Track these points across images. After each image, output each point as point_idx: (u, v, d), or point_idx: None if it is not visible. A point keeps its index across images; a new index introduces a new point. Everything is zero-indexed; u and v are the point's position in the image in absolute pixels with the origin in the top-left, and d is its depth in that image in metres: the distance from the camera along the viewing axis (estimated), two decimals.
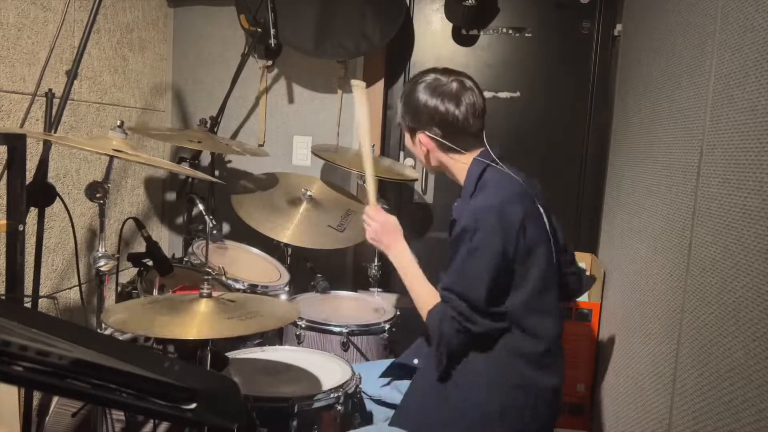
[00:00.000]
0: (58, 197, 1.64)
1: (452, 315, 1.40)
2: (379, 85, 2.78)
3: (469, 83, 1.50)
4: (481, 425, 1.44)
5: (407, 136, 1.59)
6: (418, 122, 1.51)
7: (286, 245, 2.33)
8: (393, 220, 1.61)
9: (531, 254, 1.42)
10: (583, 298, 2.50)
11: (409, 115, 1.53)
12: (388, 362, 1.78)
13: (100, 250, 1.54)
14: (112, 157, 1.56)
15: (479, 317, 1.40)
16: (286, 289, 2.24)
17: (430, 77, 1.51)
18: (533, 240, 1.42)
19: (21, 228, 1.52)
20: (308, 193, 2.41)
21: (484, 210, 1.40)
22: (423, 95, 1.49)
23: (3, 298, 1.65)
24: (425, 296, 1.50)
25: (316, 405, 1.57)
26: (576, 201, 2.82)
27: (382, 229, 1.59)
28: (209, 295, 1.40)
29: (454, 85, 1.48)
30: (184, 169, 1.78)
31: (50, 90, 1.94)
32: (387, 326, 2.10)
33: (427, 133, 1.50)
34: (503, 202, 1.41)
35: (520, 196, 1.44)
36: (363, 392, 1.73)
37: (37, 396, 1.89)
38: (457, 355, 1.46)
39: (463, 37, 2.84)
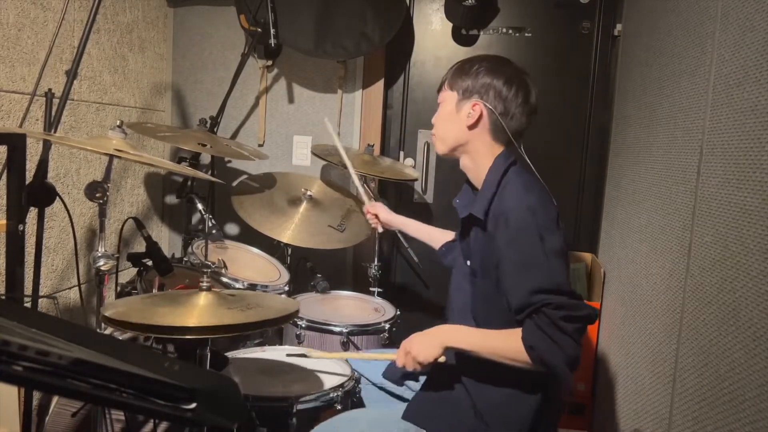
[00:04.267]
0: (58, 197, 1.63)
1: (559, 316, 1.27)
2: (379, 85, 2.79)
3: (533, 87, 1.50)
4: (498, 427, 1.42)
5: (450, 102, 1.51)
6: (481, 92, 1.46)
7: (286, 245, 2.33)
8: (410, 338, 1.47)
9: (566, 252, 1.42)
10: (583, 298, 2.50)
11: (472, 81, 1.47)
12: (388, 350, 1.78)
13: (99, 250, 1.54)
14: (111, 157, 1.56)
15: (579, 301, 1.32)
16: (286, 288, 2.24)
17: (501, 59, 1.51)
18: (565, 238, 1.41)
19: (21, 228, 1.52)
20: (308, 193, 2.42)
21: (531, 207, 1.35)
22: (495, 72, 1.47)
23: (3, 298, 1.65)
24: (504, 338, 1.34)
25: (316, 404, 1.58)
26: (576, 201, 2.82)
27: (413, 345, 1.43)
28: (209, 289, 1.39)
29: (525, 78, 1.48)
30: (185, 169, 1.78)
31: (50, 90, 1.94)
32: (387, 326, 2.10)
33: (485, 103, 1.46)
34: (542, 200, 1.39)
35: (548, 196, 1.43)
36: (365, 378, 1.72)
37: (37, 396, 1.89)
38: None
39: (463, 37, 2.84)
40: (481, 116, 1.47)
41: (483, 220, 1.43)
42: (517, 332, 1.31)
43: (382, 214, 2.00)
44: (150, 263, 1.69)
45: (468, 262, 1.51)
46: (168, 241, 2.96)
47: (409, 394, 1.63)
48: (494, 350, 1.35)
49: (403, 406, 1.52)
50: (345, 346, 2.01)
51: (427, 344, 1.41)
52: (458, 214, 1.55)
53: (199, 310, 1.31)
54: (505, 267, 1.36)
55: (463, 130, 1.49)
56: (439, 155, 1.62)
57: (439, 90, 1.57)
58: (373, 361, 1.78)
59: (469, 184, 1.59)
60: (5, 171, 1.52)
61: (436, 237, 1.91)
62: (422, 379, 1.61)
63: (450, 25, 2.81)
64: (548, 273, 1.31)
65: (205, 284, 1.39)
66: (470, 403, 1.44)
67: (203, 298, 1.36)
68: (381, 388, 1.74)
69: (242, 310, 1.33)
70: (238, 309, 1.33)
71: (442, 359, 1.42)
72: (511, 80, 1.46)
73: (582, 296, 1.36)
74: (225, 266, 2.06)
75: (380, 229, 2.05)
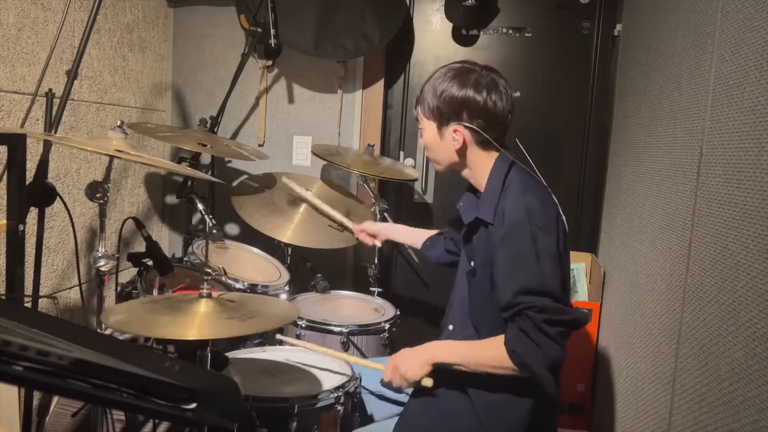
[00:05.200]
0: (58, 197, 1.63)
1: (542, 319, 1.27)
2: (379, 85, 2.79)
3: (502, 79, 1.47)
4: None
5: (431, 130, 1.50)
6: (456, 114, 1.44)
7: (287, 245, 2.33)
8: (399, 354, 1.48)
9: (566, 252, 1.41)
10: (583, 298, 2.50)
11: (444, 106, 1.44)
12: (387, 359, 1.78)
13: (100, 250, 1.54)
14: (112, 157, 1.56)
15: (564, 305, 1.32)
16: (286, 288, 2.24)
17: (463, 68, 1.46)
18: (565, 237, 1.41)
19: (21, 228, 1.52)
20: (308, 193, 2.41)
21: (528, 206, 1.35)
22: (461, 86, 1.43)
23: (3, 298, 1.65)
24: (488, 347, 1.35)
25: (316, 405, 1.57)
26: (576, 201, 2.82)
27: (402, 362, 1.44)
28: (209, 296, 1.40)
29: (492, 77, 1.45)
30: (184, 169, 1.78)
31: (50, 90, 1.94)
32: (387, 326, 2.10)
33: (466, 124, 1.44)
34: (541, 199, 1.39)
35: (549, 195, 1.43)
36: (363, 387, 1.72)
37: (37, 396, 1.89)
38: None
39: (463, 37, 2.84)
40: (469, 138, 1.47)
41: (491, 223, 1.43)
42: (501, 339, 1.32)
43: (370, 228, 2.07)
44: (150, 263, 1.69)
45: (472, 263, 1.52)
46: (168, 241, 2.96)
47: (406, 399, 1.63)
48: (480, 360, 1.36)
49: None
50: (345, 346, 2.01)
51: (416, 362, 1.43)
52: (462, 219, 1.55)
53: (199, 320, 1.31)
54: (497, 264, 1.37)
55: (452, 153, 1.51)
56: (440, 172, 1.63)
57: (417, 118, 1.56)
58: (370, 371, 1.77)
59: (471, 188, 1.60)
60: (5, 171, 1.52)
61: (420, 238, 1.95)
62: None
63: (450, 25, 2.81)
64: (536, 274, 1.31)
65: (205, 291, 1.39)
66: (470, 406, 1.44)
67: (203, 306, 1.36)
68: (380, 397, 1.73)
69: (242, 319, 1.33)
70: (238, 318, 1.33)
71: (428, 382, 1.43)
72: (479, 86, 1.43)
73: (569, 300, 1.36)
74: (225, 273, 2.06)
75: (379, 243, 2.10)
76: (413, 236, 2.00)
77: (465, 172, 1.56)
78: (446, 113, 1.46)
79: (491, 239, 1.41)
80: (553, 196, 1.44)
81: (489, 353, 1.35)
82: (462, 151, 1.49)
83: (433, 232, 1.95)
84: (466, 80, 1.44)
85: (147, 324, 1.29)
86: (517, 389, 1.41)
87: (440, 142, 1.50)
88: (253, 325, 1.33)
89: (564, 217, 1.43)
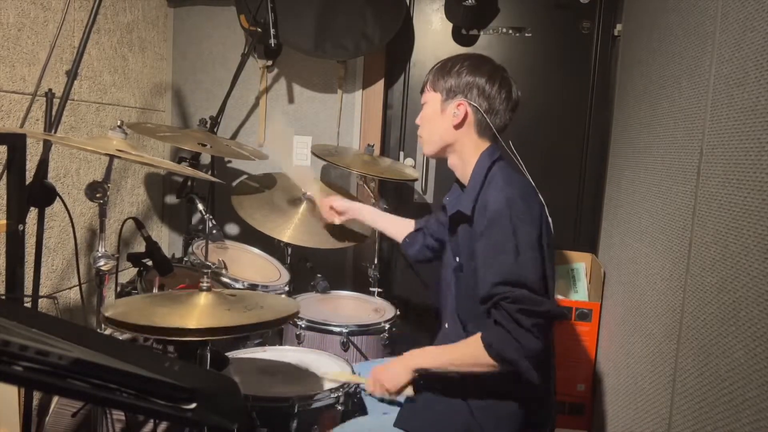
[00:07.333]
0: (58, 197, 1.63)
1: (516, 309, 1.27)
2: (379, 85, 2.79)
3: (511, 79, 1.53)
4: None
5: (434, 103, 1.53)
6: (464, 90, 1.48)
7: (287, 245, 2.33)
8: (379, 366, 1.52)
9: (549, 248, 1.41)
10: (583, 298, 2.50)
11: (455, 80, 1.50)
12: (387, 360, 1.78)
13: (100, 250, 1.53)
14: (112, 157, 1.56)
15: (542, 297, 1.30)
16: (286, 288, 2.24)
17: (481, 57, 1.54)
18: (548, 232, 1.41)
19: (21, 228, 1.52)
20: (308, 193, 2.41)
21: (509, 198, 1.36)
22: (476, 69, 1.49)
23: (3, 298, 1.65)
24: (466, 346, 1.36)
25: (316, 405, 1.57)
26: (576, 201, 2.82)
27: (383, 374, 1.47)
28: (209, 290, 1.39)
29: (504, 75, 1.52)
30: (185, 169, 1.78)
31: (50, 90, 1.94)
32: (387, 326, 2.10)
33: (469, 101, 1.48)
34: (523, 194, 1.39)
35: (533, 191, 1.44)
36: (363, 390, 1.72)
37: (37, 396, 1.89)
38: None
39: (463, 37, 2.84)
40: (466, 115, 1.49)
41: (470, 216, 1.45)
42: (478, 336, 1.33)
43: (336, 203, 2.02)
44: (150, 263, 1.69)
45: (457, 259, 1.52)
46: (168, 241, 2.96)
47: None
48: (459, 361, 1.37)
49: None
50: (345, 346, 2.01)
51: (396, 372, 1.44)
52: (447, 212, 1.57)
53: (199, 311, 1.31)
54: (478, 257, 1.38)
55: (449, 129, 1.51)
56: (427, 156, 1.63)
57: (422, 91, 1.59)
58: (371, 365, 1.77)
59: (458, 182, 1.60)
60: (5, 171, 1.52)
61: (399, 227, 1.91)
62: None
63: (450, 25, 2.81)
64: (513, 266, 1.31)
65: (205, 284, 1.39)
66: (465, 403, 1.44)
67: (203, 299, 1.36)
68: (380, 399, 1.73)
69: (242, 311, 1.33)
70: (238, 310, 1.33)
71: (410, 391, 1.44)
72: (494, 77, 1.49)
73: (549, 292, 1.34)
74: (225, 267, 2.06)
75: (337, 221, 2.05)
76: (392, 226, 1.94)
77: (452, 160, 1.56)
78: (455, 87, 1.50)
79: (474, 233, 1.42)
80: (539, 194, 1.44)
81: (467, 351, 1.35)
82: (458, 130, 1.50)
83: (410, 222, 1.89)
84: (482, 67, 1.50)
85: (146, 315, 1.28)
86: (501, 393, 1.41)
87: (439, 116, 1.52)
88: (253, 316, 1.33)
89: (550, 218, 1.43)
